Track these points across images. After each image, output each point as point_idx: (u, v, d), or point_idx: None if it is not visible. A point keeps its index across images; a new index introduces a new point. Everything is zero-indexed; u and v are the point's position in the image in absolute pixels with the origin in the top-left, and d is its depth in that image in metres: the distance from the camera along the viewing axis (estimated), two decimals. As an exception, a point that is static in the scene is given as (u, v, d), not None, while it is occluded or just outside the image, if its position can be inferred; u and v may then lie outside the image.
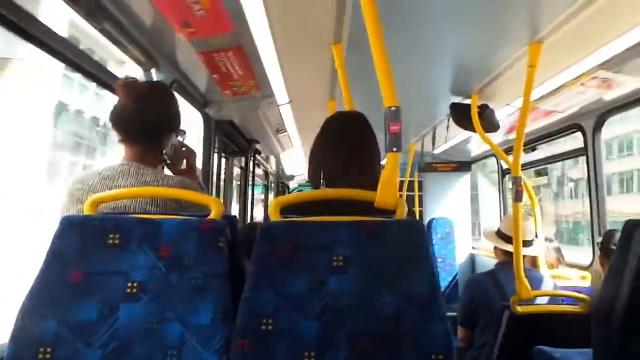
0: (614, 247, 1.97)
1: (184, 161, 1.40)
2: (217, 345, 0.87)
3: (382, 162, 1.04)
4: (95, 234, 0.92)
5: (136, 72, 1.78)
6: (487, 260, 4.07)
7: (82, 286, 0.89)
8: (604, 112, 2.47)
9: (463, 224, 4.72)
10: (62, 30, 1.31)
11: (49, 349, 0.85)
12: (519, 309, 1.87)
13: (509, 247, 2.24)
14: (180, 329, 0.87)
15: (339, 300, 0.87)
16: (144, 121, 1.18)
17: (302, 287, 0.87)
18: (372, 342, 0.85)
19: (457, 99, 2.61)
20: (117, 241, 0.92)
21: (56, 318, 0.87)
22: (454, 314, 2.40)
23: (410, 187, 4.50)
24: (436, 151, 4.06)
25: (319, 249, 0.90)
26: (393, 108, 0.97)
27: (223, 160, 3.12)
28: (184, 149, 1.38)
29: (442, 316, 0.86)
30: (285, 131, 3.35)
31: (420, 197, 4.74)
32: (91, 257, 0.91)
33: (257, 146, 3.64)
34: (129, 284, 0.90)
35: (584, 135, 2.62)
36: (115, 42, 1.54)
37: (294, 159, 4.94)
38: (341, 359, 0.84)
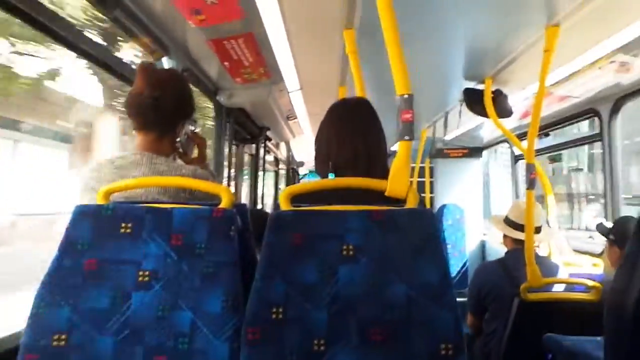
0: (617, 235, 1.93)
1: (195, 150, 1.41)
2: (227, 334, 0.88)
3: (392, 149, 1.03)
4: (107, 223, 0.94)
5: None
6: (498, 248, 4.05)
7: (95, 274, 0.91)
8: (621, 97, 2.40)
9: (474, 211, 4.68)
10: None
11: (63, 336, 0.87)
12: (530, 296, 1.86)
13: (518, 235, 2.22)
14: (191, 317, 0.89)
15: (350, 290, 0.87)
16: (161, 107, 1.19)
17: (312, 277, 0.88)
18: (383, 330, 0.85)
19: (471, 84, 2.56)
20: (129, 230, 0.94)
21: (70, 305, 0.89)
22: (464, 299, 2.40)
23: (422, 174, 4.47)
24: (448, 137, 4.02)
25: (330, 238, 0.90)
26: (405, 96, 0.95)
27: (234, 148, 3.13)
28: (196, 137, 1.39)
29: (453, 305, 0.86)
30: (296, 118, 3.34)
31: (432, 183, 4.71)
32: (104, 246, 0.93)
33: (268, 133, 3.63)
34: (141, 273, 0.91)
35: (600, 120, 2.56)
36: (127, 30, 1.54)
37: (304, 145, 4.93)
38: (351, 348, 0.85)
